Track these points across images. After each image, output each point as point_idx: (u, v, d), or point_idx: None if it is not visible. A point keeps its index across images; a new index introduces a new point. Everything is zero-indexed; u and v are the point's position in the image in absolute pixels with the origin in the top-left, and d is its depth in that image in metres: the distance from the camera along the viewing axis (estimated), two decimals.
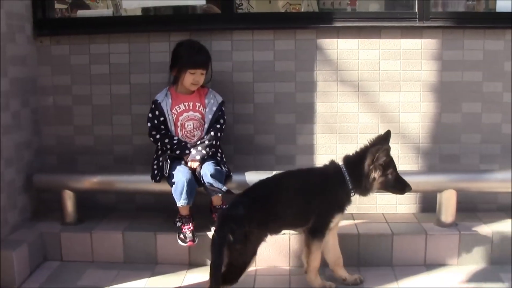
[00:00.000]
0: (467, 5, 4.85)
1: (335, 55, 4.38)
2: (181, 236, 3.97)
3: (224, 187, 3.88)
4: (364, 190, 3.55)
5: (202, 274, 3.81)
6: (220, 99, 4.18)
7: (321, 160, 4.40)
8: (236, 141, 4.50)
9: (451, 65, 4.36)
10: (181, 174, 3.85)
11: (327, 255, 3.75)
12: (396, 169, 3.53)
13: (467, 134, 4.43)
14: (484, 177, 4.18)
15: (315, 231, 3.55)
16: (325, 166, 3.69)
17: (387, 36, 4.36)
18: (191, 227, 3.97)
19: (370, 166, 3.46)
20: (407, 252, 4.04)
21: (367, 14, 4.57)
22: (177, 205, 3.91)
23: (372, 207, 4.51)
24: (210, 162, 3.97)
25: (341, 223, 3.81)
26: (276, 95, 4.45)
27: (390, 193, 3.75)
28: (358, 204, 4.48)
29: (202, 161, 3.95)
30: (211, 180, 3.85)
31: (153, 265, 4.11)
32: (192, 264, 4.10)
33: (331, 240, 3.70)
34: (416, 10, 4.33)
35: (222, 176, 3.96)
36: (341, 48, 4.38)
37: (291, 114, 4.46)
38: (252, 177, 4.01)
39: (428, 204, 4.41)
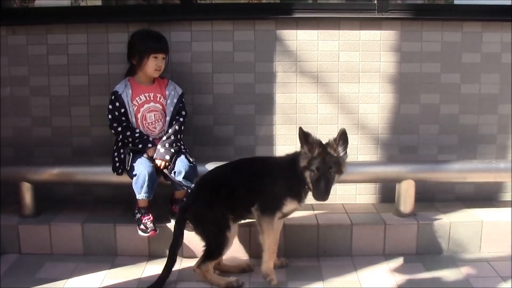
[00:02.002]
0: None
1: (295, 46, 4.39)
2: (142, 227, 3.95)
3: (193, 184, 3.87)
4: (304, 180, 3.46)
5: (162, 266, 3.74)
6: (180, 90, 4.16)
7: (280, 151, 4.43)
8: (195, 132, 4.48)
9: (410, 56, 4.40)
10: (142, 167, 3.83)
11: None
12: (322, 173, 3.36)
13: (425, 125, 4.48)
14: (442, 168, 4.24)
15: (264, 208, 3.55)
16: (286, 155, 3.71)
17: (346, 28, 4.37)
18: (151, 218, 3.97)
19: (301, 150, 3.45)
20: (366, 242, 4.08)
21: (326, 5, 4.56)
22: (137, 197, 3.90)
23: (331, 197, 4.42)
24: (183, 157, 3.96)
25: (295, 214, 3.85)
26: (235, 86, 4.45)
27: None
28: None
29: (170, 159, 3.94)
30: (182, 179, 3.86)
31: (113, 257, 4.09)
32: (152, 255, 4.10)
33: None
34: (375, 2, 4.34)
35: (194, 172, 3.97)
36: (301, 39, 4.38)
37: (251, 105, 4.46)
38: (212, 168, 4.02)
39: (387, 194, 4.46)
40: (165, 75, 4.24)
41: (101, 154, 4.43)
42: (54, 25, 4.42)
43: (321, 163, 3.38)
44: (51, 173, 4.24)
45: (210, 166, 4.04)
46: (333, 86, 4.42)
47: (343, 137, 3.43)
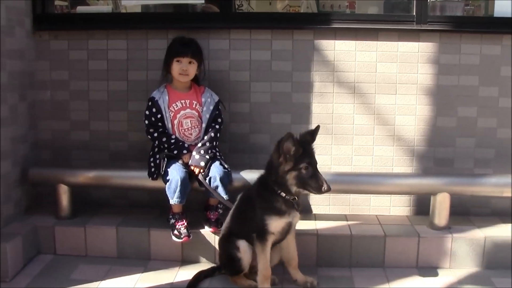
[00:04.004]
0: (465, 10, 4.84)
1: (332, 56, 4.39)
2: (176, 232, 3.98)
3: (226, 196, 3.90)
4: (282, 186, 3.43)
5: (195, 271, 3.83)
6: (216, 98, 4.19)
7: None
8: (231, 139, 4.50)
9: (448, 69, 4.37)
10: (175, 173, 3.86)
11: (281, 253, 3.76)
12: (313, 165, 3.40)
13: (462, 138, 4.44)
14: (478, 181, 4.19)
15: (257, 235, 3.53)
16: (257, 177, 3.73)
17: (384, 39, 4.37)
18: (185, 223, 3.99)
19: (280, 159, 3.39)
20: (400, 254, 4.04)
21: (365, 16, 4.56)
22: (170, 203, 3.93)
23: (365, 208, 4.52)
24: (217, 163, 4.00)
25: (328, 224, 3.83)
26: (272, 95, 4.46)
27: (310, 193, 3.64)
28: (352, 205, 4.53)
29: (205, 165, 3.98)
30: (219, 184, 3.89)
31: (146, 261, 4.12)
32: (185, 260, 4.12)
33: (287, 240, 3.69)
34: (414, 13, 4.33)
35: (229, 178, 4.00)
36: (338, 50, 4.38)
37: (287, 114, 4.46)
38: (247, 176, 4.08)
39: (422, 207, 4.41)
40: (203, 82, 4.28)
41: (137, 159, 4.47)
42: (95, 30, 4.50)
43: (310, 159, 3.41)
44: (87, 176, 4.31)
45: (245, 174, 4.08)
46: (370, 97, 4.42)
47: (317, 134, 3.55)
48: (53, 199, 4.35)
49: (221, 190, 3.89)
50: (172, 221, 4.03)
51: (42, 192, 4.55)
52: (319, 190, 3.37)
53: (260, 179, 3.63)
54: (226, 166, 4.01)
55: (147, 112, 4.10)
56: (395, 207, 4.53)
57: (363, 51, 4.38)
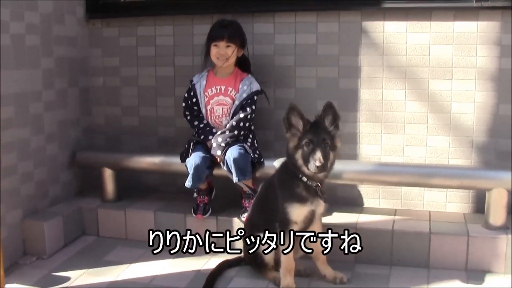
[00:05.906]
0: None
1: (381, 39, 4.11)
2: (194, 206, 4.06)
3: (236, 178, 3.80)
4: (297, 168, 3.22)
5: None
6: (255, 87, 4.02)
7: (364, 149, 4.20)
8: (276, 127, 4.34)
9: (511, 50, 3.92)
10: (192, 157, 3.88)
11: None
12: (314, 143, 3.13)
13: None
14: None
15: (279, 225, 3.33)
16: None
17: (438, 19, 4.00)
18: (205, 201, 4.06)
19: (287, 134, 3.23)
20: (447, 254, 3.69)
21: None
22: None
23: (419, 203, 4.18)
24: (236, 146, 3.87)
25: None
26: (318, 80, 4.26)
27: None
28: (403, 199, 4.21)
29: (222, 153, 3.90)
30: (232, 165, 3.78)
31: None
32: None
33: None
34: None
35: (246, 161, 3.84)
36: (388, 31, 4.09)
37: (334, 100, 4.05)
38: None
39: (483, 204, 3.93)
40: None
41: (184, 144, 4.40)
42: (144, 17, 4.56)
43: (314, 135, 3.15)
44: (131, 160, 4.38)
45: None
46: (422, 82, 4.08)
47: (329, 110, 3.25)
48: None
49: (233, 172, 3.79)
50: (195, 195, 4.10)
51: (93, 175, 4.64)
52: (311, 169, 3.13)
53: (282, 164, 3.48)
54: (247, 150, 3.88)
55: (185, 95, 4.11)
56: (452, 203, 4.14)
57: (415, 32, 4.05)
